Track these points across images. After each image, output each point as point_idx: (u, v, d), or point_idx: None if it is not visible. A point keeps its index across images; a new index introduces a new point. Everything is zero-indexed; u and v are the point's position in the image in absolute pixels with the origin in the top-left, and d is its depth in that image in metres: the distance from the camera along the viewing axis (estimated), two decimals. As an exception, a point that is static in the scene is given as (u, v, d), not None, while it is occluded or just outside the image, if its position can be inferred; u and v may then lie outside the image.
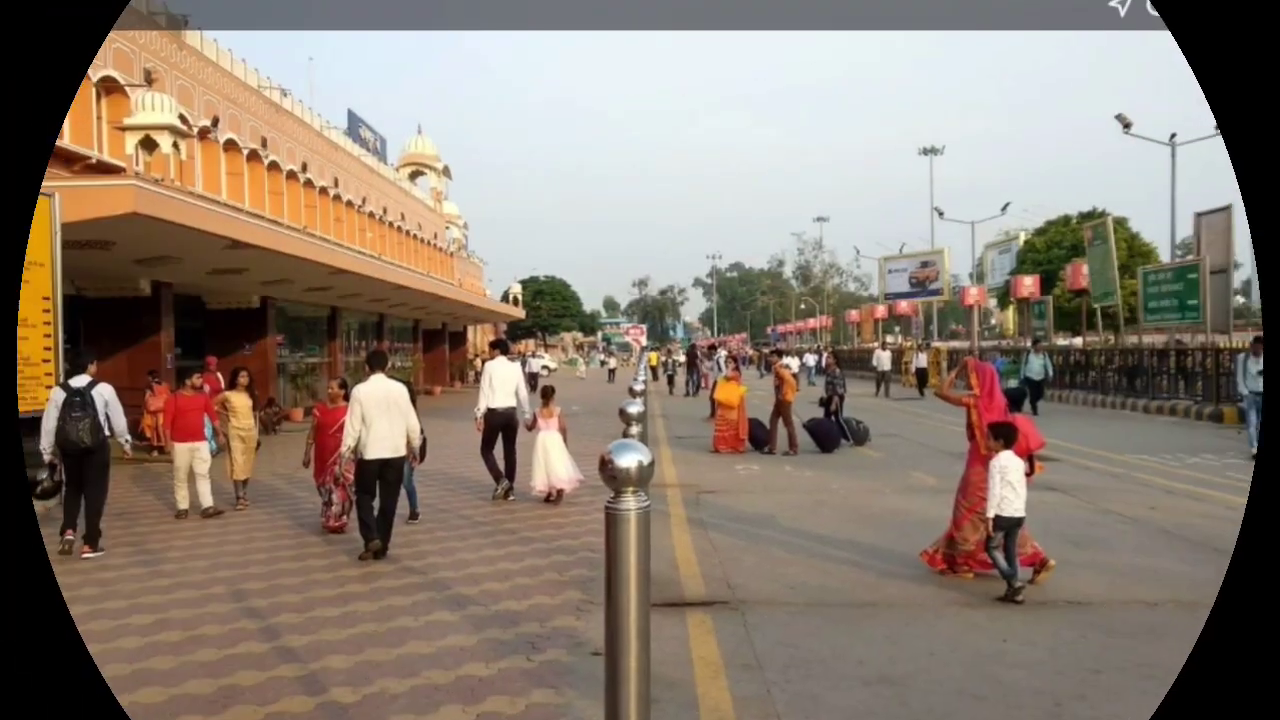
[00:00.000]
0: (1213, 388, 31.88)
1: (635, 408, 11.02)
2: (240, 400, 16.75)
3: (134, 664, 8.12)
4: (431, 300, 46.03)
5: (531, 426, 16.64)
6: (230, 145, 36.36)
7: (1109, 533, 13.22)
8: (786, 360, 32.87)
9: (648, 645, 4.56)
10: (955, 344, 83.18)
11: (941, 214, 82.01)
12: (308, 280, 31.38)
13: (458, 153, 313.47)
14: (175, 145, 28.07)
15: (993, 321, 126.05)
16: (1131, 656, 8.07)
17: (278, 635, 8.85)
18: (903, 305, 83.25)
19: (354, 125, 56.34)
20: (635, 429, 10.97)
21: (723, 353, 46.29)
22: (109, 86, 28.76)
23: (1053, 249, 74.72)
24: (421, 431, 13.21)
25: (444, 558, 12.12)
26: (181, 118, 29.50)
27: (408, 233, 61.09)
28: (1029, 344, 43.61)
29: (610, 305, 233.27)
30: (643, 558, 4.56)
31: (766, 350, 78.56)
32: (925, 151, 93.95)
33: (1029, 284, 56.05)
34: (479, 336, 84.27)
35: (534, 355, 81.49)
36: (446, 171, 75.84)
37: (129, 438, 13.87)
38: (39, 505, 15.15)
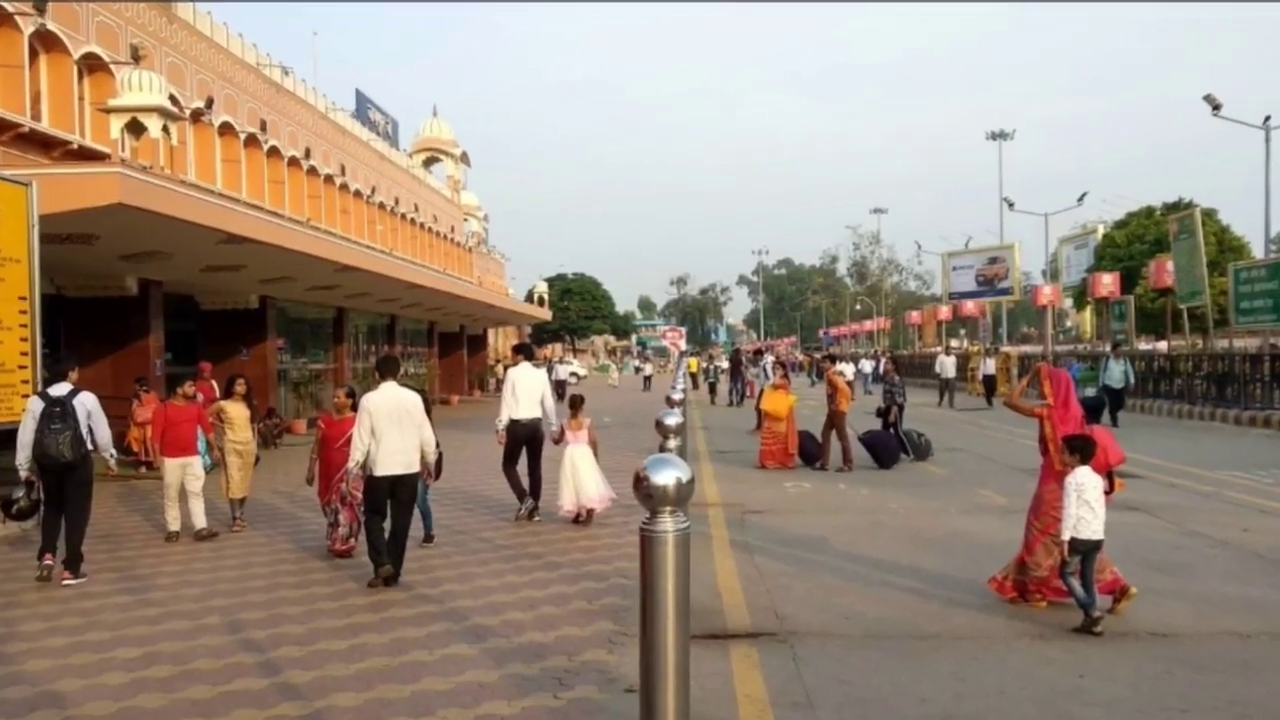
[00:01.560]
0: (1313, 397, 31.66)
1: (673, 419, 11.02)
2: (237, 410, 16.77)
3: (119, 702, 8.14)
4: (448, 300, 46.17)
5: (558, 440, 16.66)
6: (226, 129, 36.54)
7: (1197, 557, 13.15)
8: (840, 366, 32.86)
9: (687, 681, 4.56)
10: (1027, 348, 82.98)
11: (1011, 205, 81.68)
12: (311, 278, 31.48)
13: (477, 138, 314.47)
14: (165, 129, 28.20)
15: (1068, 323, 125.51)
16: (1222, 694, 8.01)
17: (278, 670, 8.87)
18: (969, 306, 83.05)
19: (362, 107, 56.55)
20: (673, 442, 10.96)
21: (770, 358, 46.29)
22: (92, 64, 28.94)
23: (1134, 243, 74.36)
24: (437, 445, 13.22)
25: (462, 585, 12.13)
26: (172, 99, 29.69)
27: (422, 225, 61.30)
28: (1108, 348, 43.43)
29: (646, 306, 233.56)
30: (681, 584, 4.56)
31: (818, 355, 78.48)
32: (993, 136, 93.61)
33: (1108, 282, 55.83)
34: (501, 340, 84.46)
35: (561, 361, 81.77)
36: (464, 158, 76.15)
37: (114, 452, 13.89)
38: (15, 526, 15.27)
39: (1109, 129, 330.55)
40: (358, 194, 49.72)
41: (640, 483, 4.63)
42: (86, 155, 27.56)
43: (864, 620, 10.23)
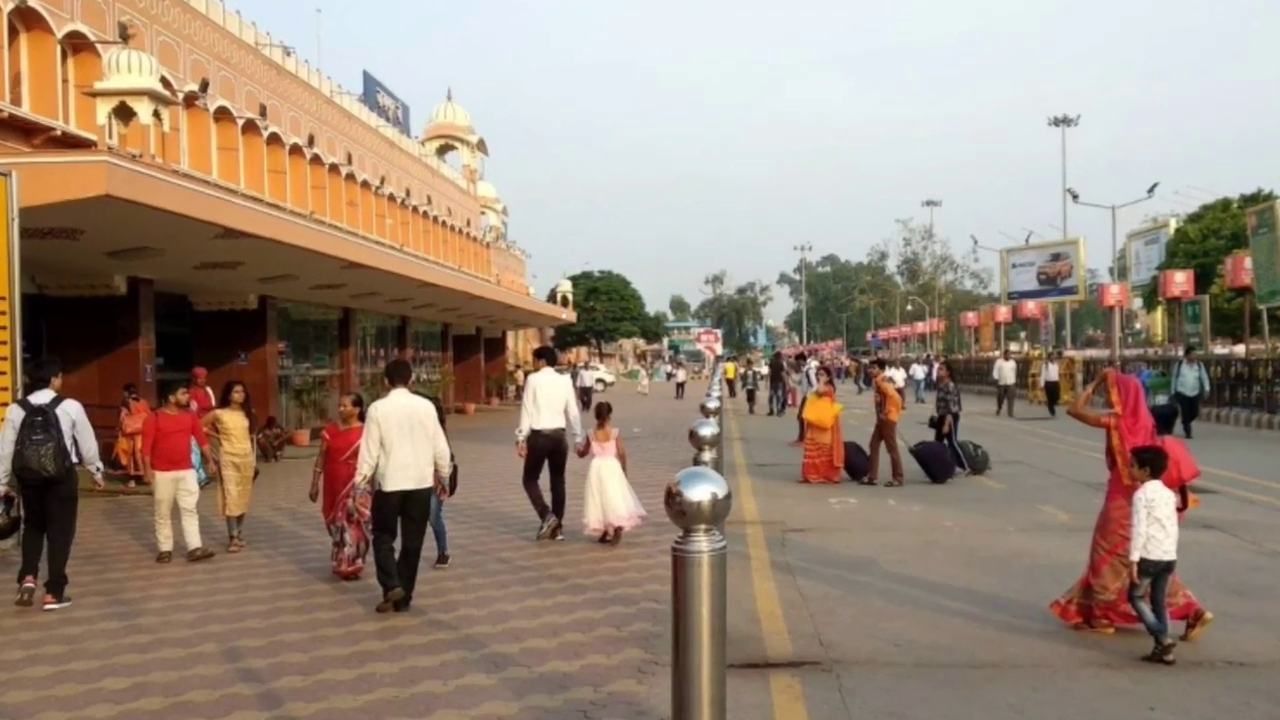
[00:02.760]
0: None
1: (708, 429, 11.02)
2: (234, 420, 16.74)
3: (109, 734, 8.17)
4: (464, 300, 46.21)
5: (584, 452, 16.63)
6: (222, 114, 36.68)
7: (1278, 579, 13.10)
8: (890, 372, 32.79)
9: (723, 714, 4.56)
10: (1092, 352, 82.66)
11: (1076, 197, 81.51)
12: (315, 276, 31.57)
13: (495, 124, 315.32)
14: (156, 114, 28.26)
15: (1137, 325, 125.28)
16: (1307, 729, 7.99)
17: (279, 702, 8.90)
18: (1029, 306, 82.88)
19: (371, 90, 56.67)
20: (708, 454, 10.96)
21: (813, 363, 46.30)
22: (76, 44, 29.04)
23: (1209, 238, 74.21)
24: (452, 458, 13.20)
25: (479, 609, 12.16)
26: (164, 81, 29.74)
27: (435, 219, 61.43)
28: (1181, 353, 43.28)
29: (679, 306, 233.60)
30: (717, 609, 4.56)
31: (866, 360, 78.41)
32: (1056, 122, 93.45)
33: (1181, 281, 55.66)
34: (521, 344, 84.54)
35: (587, 366, 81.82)
36: (481, 146, 76.17)
37: (100, 465, 13.83)
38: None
39: (1182, 115, 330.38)
40: (365, 185, 49.87)
41: (673, 498, 4.62)
42: (71, 143, 27.65)
43: (915, 648, 10.22)
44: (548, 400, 16.72)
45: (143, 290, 27.27)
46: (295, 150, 42.21)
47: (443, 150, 72.09)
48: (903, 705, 8.56)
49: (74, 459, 13.00)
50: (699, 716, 4.47)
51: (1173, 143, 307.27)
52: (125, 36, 29.23)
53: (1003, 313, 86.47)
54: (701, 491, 4.59)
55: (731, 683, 5.68)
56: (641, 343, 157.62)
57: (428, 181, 63.06)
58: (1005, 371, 47.54)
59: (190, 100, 34.26)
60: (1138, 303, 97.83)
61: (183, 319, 32.85)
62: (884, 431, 23.24)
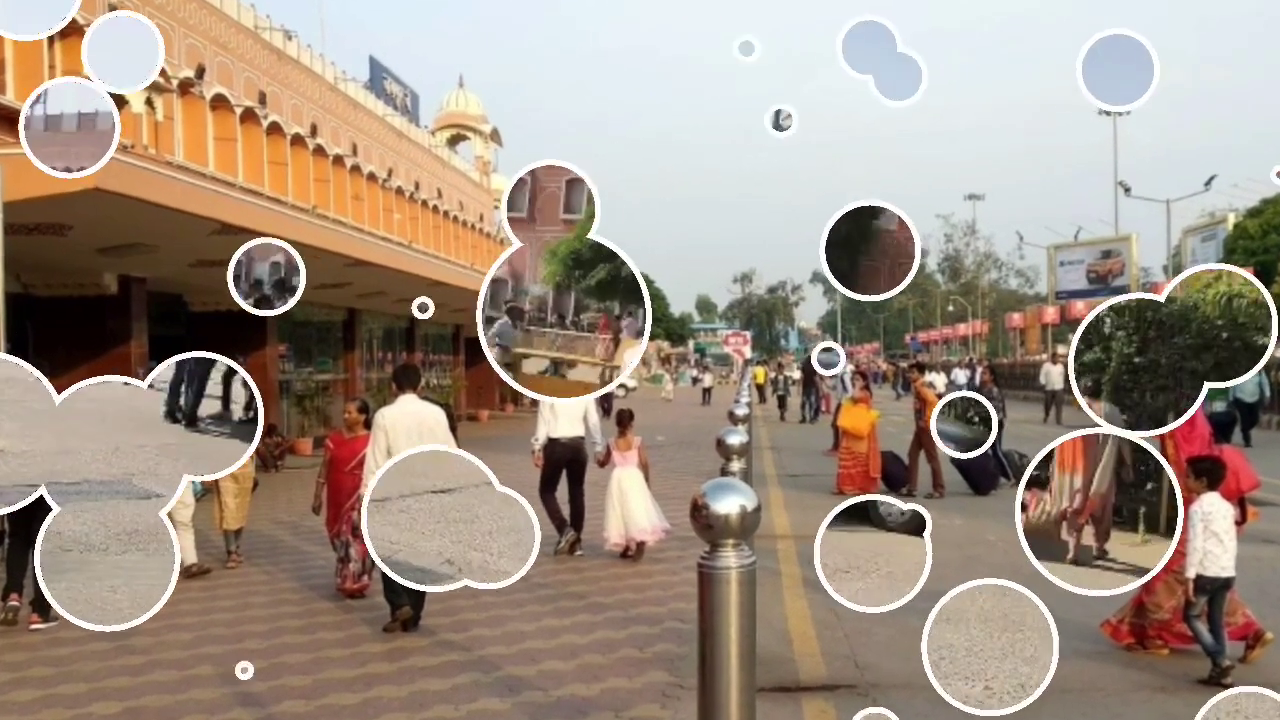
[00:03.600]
0: None
1: (737, 438, 11.02)
2: (233, 427, 16.74)
3: (100, 762, 8.19)
4: (476, 300, 45.92)
5: (604, 462, 16.65)
6: (219, 102, 36.70)
7: (1348, 599, 13.04)
8: (930, 377, 32.73)
9: (752, 742, 4.56)
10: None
11: (1128, 190, 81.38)
12: (318, 275, 31.30)
13: (510, 112, 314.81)
14: (149, 102, 28.34)
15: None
16: (1378, 759, 7.94)
17: (280, 726, 8.91)
18: (1079, 306, 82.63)
19: (377, 77, 56.73)
20: (737, 464, 10.97)
21: (849, 367, 46.14)
22: (65, 28, 29.00)
23: (1270, 234, 73.80)
24: (463, 468, 13.20)
25: (492, 629, 12.15)
26: (158, 69, 29.79)
27: (446, 214, 61.44)
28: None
29: (705, 307, 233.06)
30: (746, 629, 4.56)
31: (904, 364, 78.30)
32: (1106, 111, 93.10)
33: (1240, 279, 55.41)
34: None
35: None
36: (495, 136, 76.19)
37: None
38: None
39: (1241, 102, 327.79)
40: (371, 177, 49.94)
41: (699, 511, 4.63)
42: (60, 134, 27.66)
43: (957, 671, 10.20)
44: (565, 407, 16.61)
45: (135, 290, 27.26)
46: (297, 140, 42.25)
47: (454, 141, 72.16)
48: (943, 732, 8.55)
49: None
50: (727, 744, 4.47)
51: (1231, 132, 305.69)
52: (116, 20, 29.25)
53: (1050, 313, 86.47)
54: (729, 504, 4.59)
55: (761, 707, 5.68)
56: (665, 345, 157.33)
57: (438, 174, 63.09)
58: (1053, 376, 47.32)
59: (185, 87, 34.27)
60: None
61: (177, 320, 32.85)
62: (924, 440, 23.12)
